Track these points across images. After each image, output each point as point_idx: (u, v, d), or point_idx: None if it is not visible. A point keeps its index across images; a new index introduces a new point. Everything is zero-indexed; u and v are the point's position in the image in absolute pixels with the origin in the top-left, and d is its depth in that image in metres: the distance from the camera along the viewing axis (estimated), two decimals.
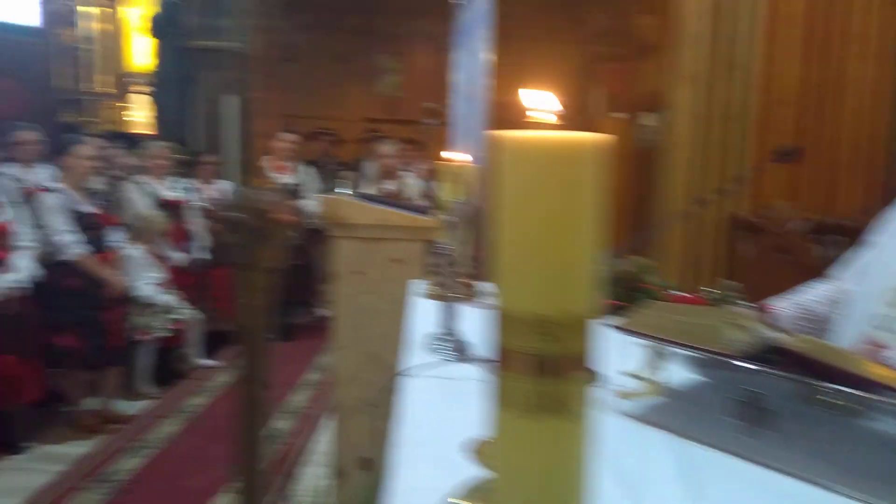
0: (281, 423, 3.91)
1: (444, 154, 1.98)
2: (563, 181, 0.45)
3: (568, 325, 0.44)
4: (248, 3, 5.89)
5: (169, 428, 3.83)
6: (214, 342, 5.13)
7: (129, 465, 3.31)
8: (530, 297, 0.44)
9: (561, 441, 0.47)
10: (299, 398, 4.38)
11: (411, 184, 5.17)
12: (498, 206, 0.47)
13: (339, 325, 2.71)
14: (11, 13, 10.41)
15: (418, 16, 7.39)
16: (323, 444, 3.67)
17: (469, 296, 1.81)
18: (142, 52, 10.25)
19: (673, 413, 1.02)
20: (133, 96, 10.17)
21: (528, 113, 0.49)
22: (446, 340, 1.38)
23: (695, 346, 0.96)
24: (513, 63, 4.39)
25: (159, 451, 3.51)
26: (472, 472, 0.79)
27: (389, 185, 5.10)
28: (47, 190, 3.74)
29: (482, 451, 0.87)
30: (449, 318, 1.40)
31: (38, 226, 3.72)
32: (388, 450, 2.59)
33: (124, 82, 10.18)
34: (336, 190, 5.94)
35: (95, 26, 10.14)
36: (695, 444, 0.93)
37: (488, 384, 0.47)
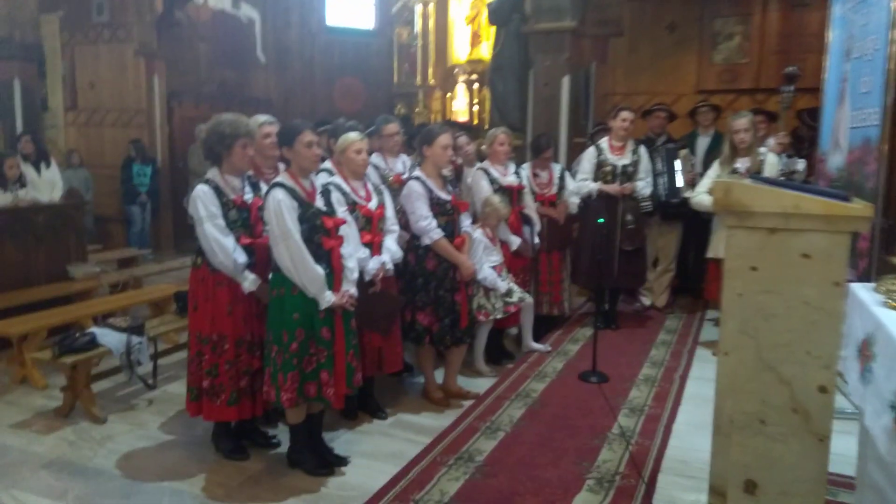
0: (626, 421, 3.71)
1: None
2: None
3: None
4: None
5: (512, 411, 3.87)
6: (539, 326, 5.15)
7: (485, 446, 3.39)
8: None
9: None
10: (640, 394, 4.13)
11: (771, 161, 4.51)
12: None
13: (726, 326, 2.37)
14: (353, 19, 11.87)
15: None
16: (676, 450, 3.38)
17: None
18: (465, 44, 10.89)
19: None
20: (458, 86, 10.87)
21: None
22: None
23: None
24: None
25: (508, 435, 3.54)
26: None
27: (743, 164, 4.53)
28: (411, 178, 4.00)
29: None
30: None
31: (402, 211, 4.02)
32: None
33: (451, 74, 10.92)
34: (678, 169, 5.51)
35: (427, 23, 11.03)
36: None
37: None
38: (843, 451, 2.62)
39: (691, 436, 3.52)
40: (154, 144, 9.04)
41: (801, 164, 4.85)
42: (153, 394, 4.24)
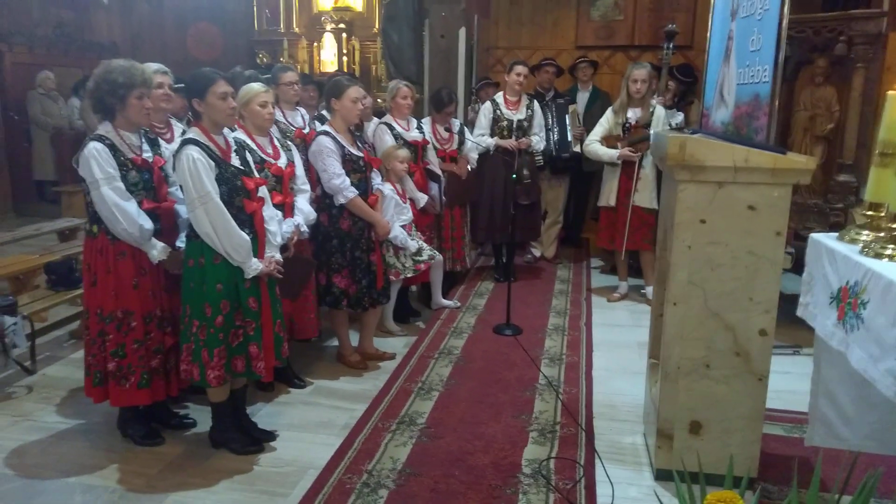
0: (548, 371, 3.81)
1: None
2: None
3: None
4: None
5: (440, 370, 3.85)
6: (443, 283, 5.13)
7: (422, 408, 3.34)
8: None
9: None
10: (554, 344, 4.26)
11: (660, 114, 4.71)
12: None
13: (675, 277, 2.47)
14: None
15: None
16: (602, 395, 3.52)
17: None
18: None
19: None
20: (325, 36, 10.34)
21: None
22: None
23: None
24: None
25: (442, 394, 3.51)
26: None
27: (635, 113, 4.69)
28: (320, 133, 3.75)
29: None
30: None
31: (308, 169, 3.78)
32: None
33: (317, 22, 10.37)
34: (568, 124, 5.63)
35: None
36: None
37: None
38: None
39: (611, 381, 3.70)
40: None
41: (682, 118, 5.13)
42: (32, 379, 3.76)
